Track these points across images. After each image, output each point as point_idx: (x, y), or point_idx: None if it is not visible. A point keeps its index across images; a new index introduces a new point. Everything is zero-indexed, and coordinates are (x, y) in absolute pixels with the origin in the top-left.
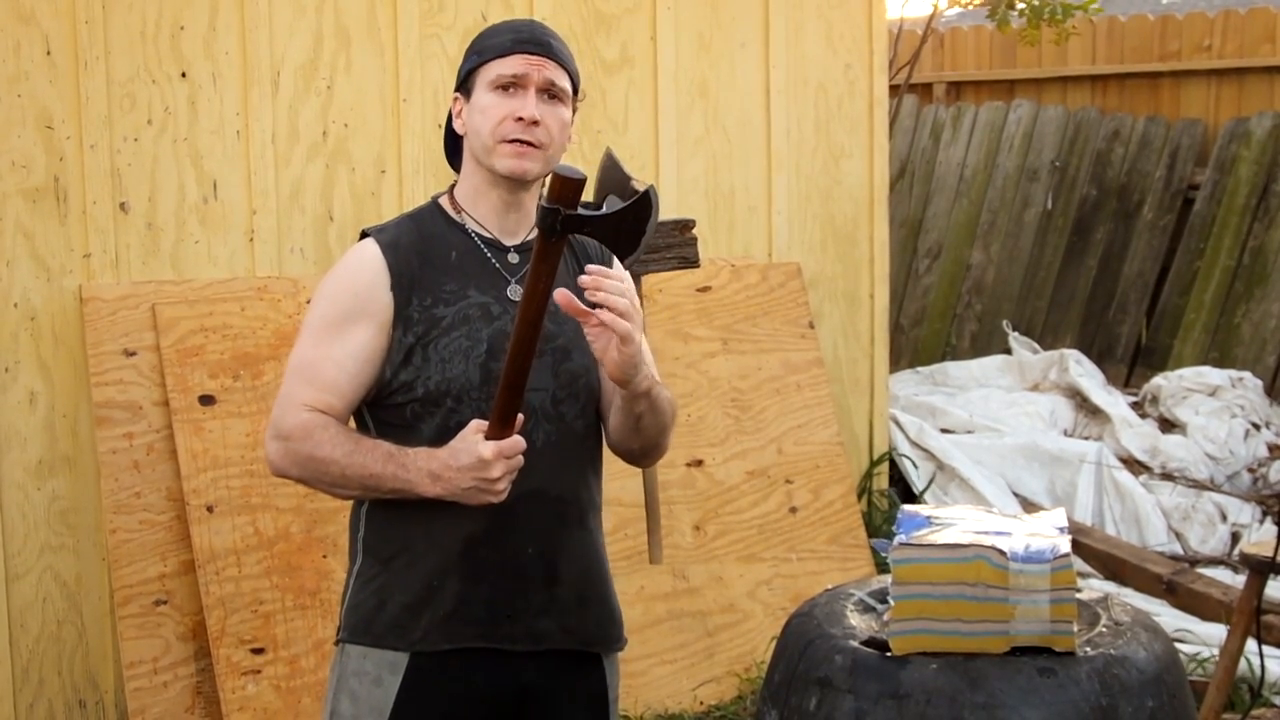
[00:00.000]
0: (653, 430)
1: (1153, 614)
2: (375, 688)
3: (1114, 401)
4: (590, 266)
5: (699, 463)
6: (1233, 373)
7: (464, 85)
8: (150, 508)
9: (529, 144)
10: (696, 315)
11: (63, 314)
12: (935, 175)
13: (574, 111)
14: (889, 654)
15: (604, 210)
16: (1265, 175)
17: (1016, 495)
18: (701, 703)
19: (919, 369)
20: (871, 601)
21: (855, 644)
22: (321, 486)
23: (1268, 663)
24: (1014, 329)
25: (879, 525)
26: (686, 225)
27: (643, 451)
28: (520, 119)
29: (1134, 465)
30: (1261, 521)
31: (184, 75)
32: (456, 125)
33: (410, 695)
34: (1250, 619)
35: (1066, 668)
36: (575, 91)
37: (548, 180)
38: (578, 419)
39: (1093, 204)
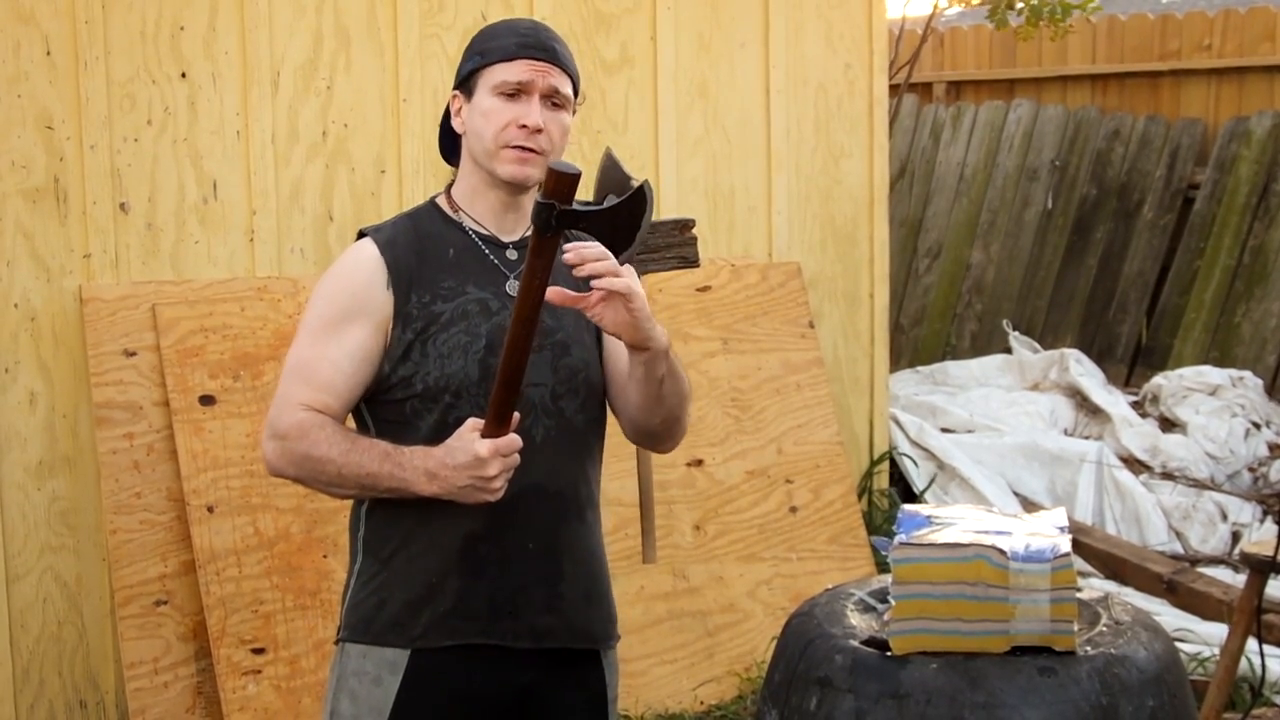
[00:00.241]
0: (674, 398)
1: (1153, 613)
2: (375, 687)
3: (1114, 401)
4: (569, 245)
5: (699, 463)
6: (1233, 372)
7: (465, 84)
8: (150, 508)
9: (531, 150)
10: (696, 315)
11: (63, 314)
12: (935, 175)
13: (573, 114)
14: (889, 654)
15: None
16: (1265, 174)
17: (1017, 495)
18: (702, 703)
19: (919, 369)
20: (871, 601)
21: (855, 644)
22: (318, 486)
23: (1268, 662)
24: (1014, 328)
25: (879, 525)
26: (686, 225)
27: (665, 426)
28: (524, 126)
29: (1134, 465)
30: (1262, 521)
31: (184, 75)
32: (455, 124)
33: (410, 695)
34: (1251, 618)
35: (1067, 667)
36: (575, 94)
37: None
38: (577, 414)
39: (1093, 203)
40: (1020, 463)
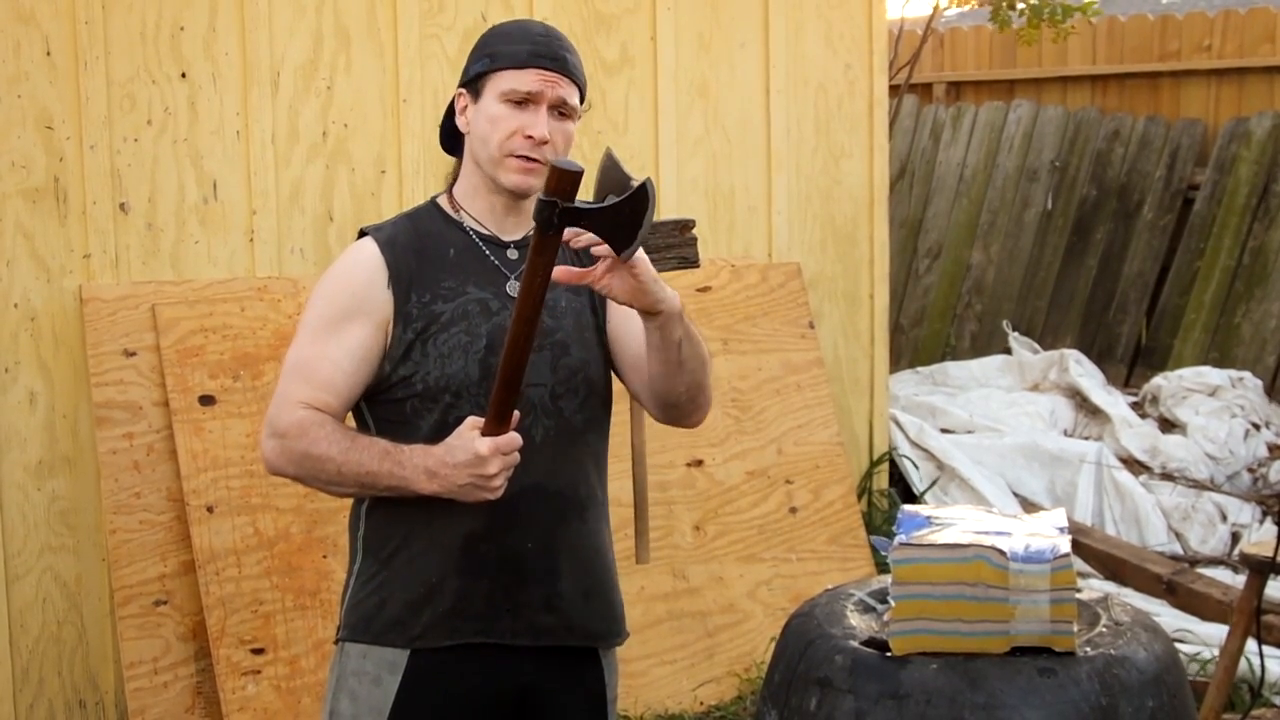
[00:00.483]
0: (694, 361)
1: (1153, 614)
2: (375, 687)
3: (1114, 401)
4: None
5: (699, 463)
6: (1233, 373)
7: (472, 84)
8: (150, 508)
9: (536, 161)
10: (696, 315)
11: (63, 314)
12: (935, 175)
13: (579, 120)
14: (889, 654)
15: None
16: (1265, 175)
17: (1016, 495)
18: (701, 703)
19: (919, 369)
20: (871, 601)
21: (855, 644)
22: (318, 484)
23: (1268, 663)
24: (1014, 329)
25: (879, 525)
26: (686, 225)
27: (689, 395)
28: (530, 136)
29: (1134, 465)
30: (1261, 521)
31: (184, 76)
32: (460, 123)
33: (409, 694)
34: (1250, 619)
35: (1066, 668)
36: (581, 100)
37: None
38: (577, 414)
39: (1093, 204)
40: (1020, 463)
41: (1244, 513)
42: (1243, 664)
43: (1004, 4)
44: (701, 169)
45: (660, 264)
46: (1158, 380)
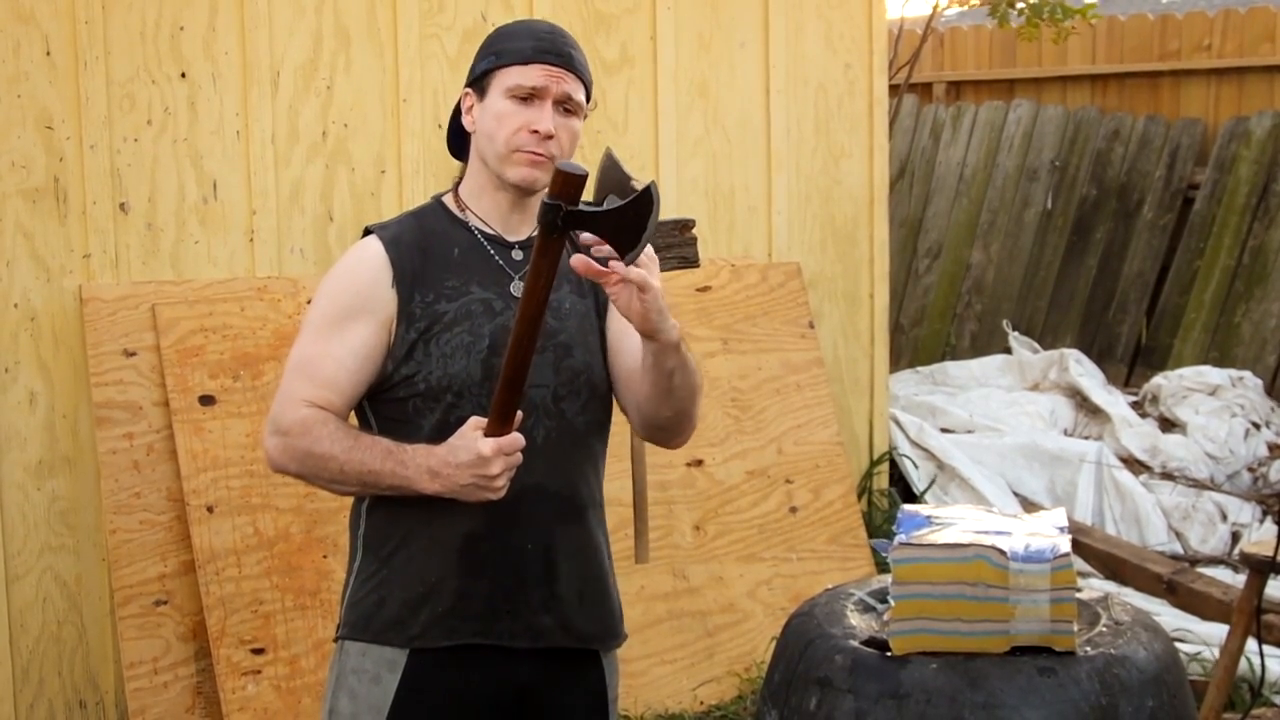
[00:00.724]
0: (685, 391)
1: (1153, 613)
2: (374, 685)
3: (1114, 401)
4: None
5: (699, 463)
6: (1233, 372)
7: (477, 83)
8: (150, 508)
9: (541, 156)
10: (696, 315)
11: (63, 314)
12: (935, 175)
13: (584, 118)
14: (889, 654)
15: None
16: (1265, 175)
17: (1016, 495)
18: (701, 703)
19: (919, 369)
20: (871, 601)
21: (855, 644)
22: (320, 482)
23: (1268, 662)
24: (1014, 329)
25: (879, 525)
26: (686, 225)
27: (674, 420)
28: (535, 131)
29: (1134, 465)
30: (1261, 521)
31: (184, 75)
32: (466, 122)
33: (409, 693)
34: (1250, 618)
35: (1066, 667)
36: (588, 99)
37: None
38: (579, 415)
39: (1092, 204)
40: (1020, 463)
41: (1244, 512)
42: (1243, 663)
43: (1004, 2)
44: (701, 169)
45: (660, 264)
46: (1158, 380)
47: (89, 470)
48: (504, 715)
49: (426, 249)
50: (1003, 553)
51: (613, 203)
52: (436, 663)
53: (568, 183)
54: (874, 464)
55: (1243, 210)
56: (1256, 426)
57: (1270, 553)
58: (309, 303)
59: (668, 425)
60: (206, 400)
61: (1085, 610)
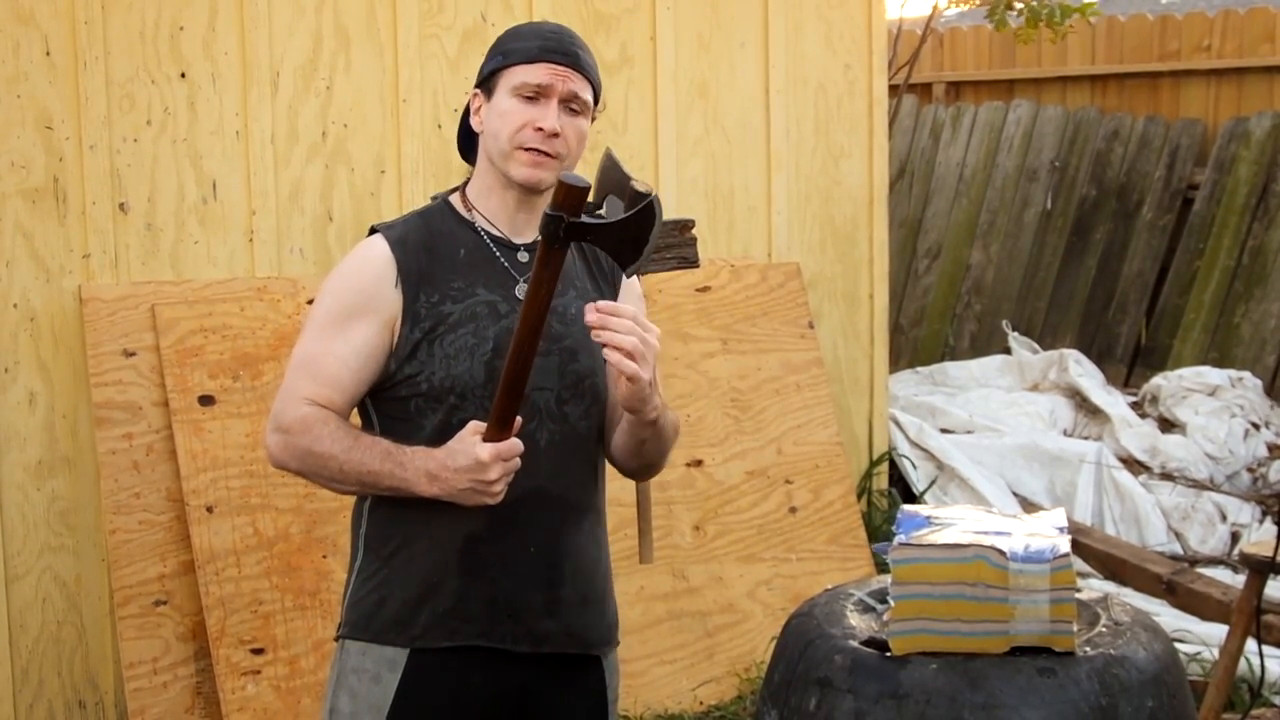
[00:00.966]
0: (653, 454)
1: (1152, 614)
2: (374, 685)
3: (1114, 401)
4: (600, 305)
5: (699, 463)
6: (1232, 372)
7: (485, 84)
8: (150, 508)
9: (546, 154)
10: (696, 315)
11: (62, 314)
12: (935, 175)
13: (592, 120)
14: (889, 654)
15: (605, 214)
16: (1265, 175)
17: (1016, 495)
18: (701, 703)
19: (919, 369)
20: (871, 601)
21: (855, 644)
22: (320, 481)
23: (1267, 662)
24: (1014, 329)
25: (879, 525)
26: (686, 225)
27: (640, 469)
28: (540, 129)
29: (1134, 465)
30: (1261, 521)
31: (183, 76)
32: (474, 123)
33: (409, 693)
34: (1250, 619)
35: (1066, 668)
36: (596, 101)
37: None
38: (581, 420)
39: (1092, 204)
40: (1020, 463)
41: (1244, 512)
42: (1242, 664)
43: (1002, 4)
44: (701, 169)
45: (660, 264)
46: (1157, 380)
47: (89, 470)
48: (504, 716)
49: (433, 249)
50: (1002, 553)
51: (613, 203)
52: (437, 663)
53: (570, 194)
54: (874, 464)
55: (1242, 211)
56: (1256, 427)
57: (1270, 553)
58: (310, 302)
59: (632, 471)
60: (206, 400)
61: (1085, 610)
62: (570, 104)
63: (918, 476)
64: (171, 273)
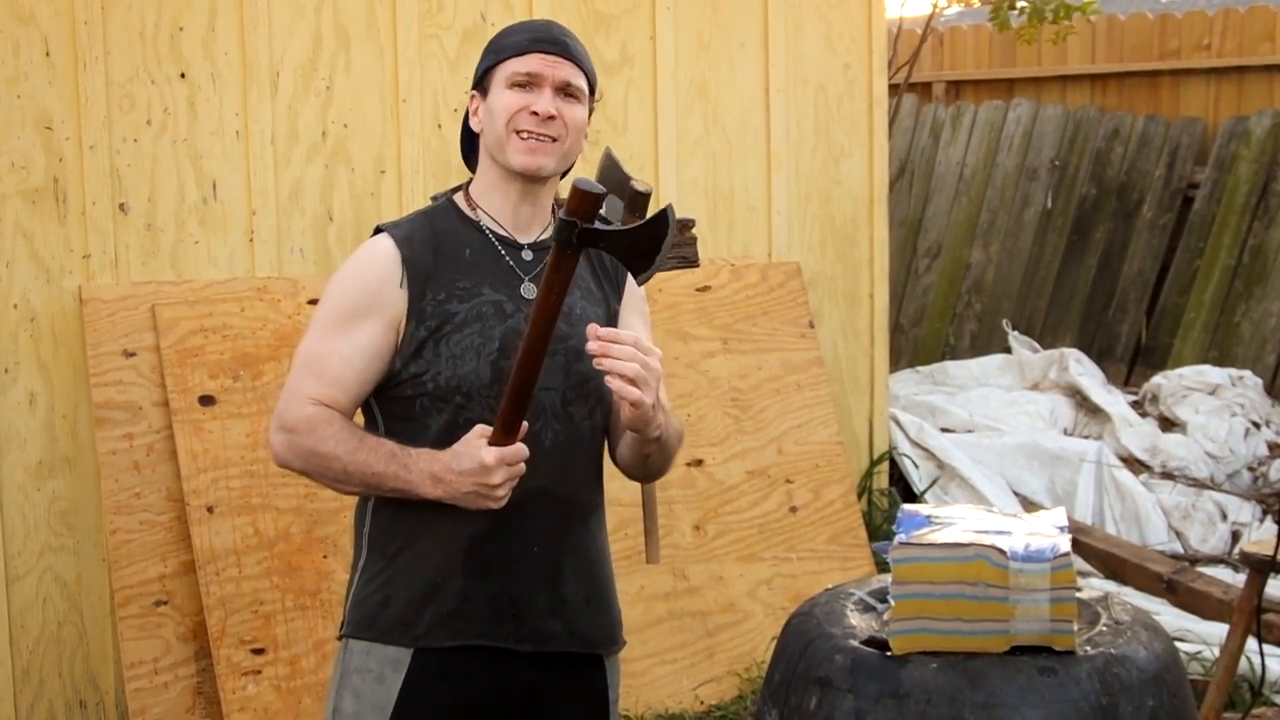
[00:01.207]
0: (658, 464)
1: (1153, 613)
2: (378, 685)
3: (1114, 400)
4: (600, 332)
5: (699, 463)
6: (1233, 371)
7: (480, 83)
8: (150, 508)
9: (543, 139)
10: (696, 315)
11: (62, 314)
12: (935, 175)
13: (591, 111)
14: (889, 653)
15: (605, 213)
16: (1265, 174)
17: (1016, 494)
18: (702, 702)
19: (919, 368)
20: (871, 601)
21: (855, 643)
22: (324, 481)
23: (1268, 661)
24: (1014, 328)
25: (879, 525)
26: (686, 225)
27: (643, 477)
28: (535, 112)
29: (1134, 464)
30: (1261, 520)
31: (183, 76)
32: (473, 123)
33: (413, 693)
34: (1251, 618)
35: (1066, 667)
36: (592, 93)
37: (567, 191)
38: (585, 420)
39: (1092, 203)
40: (1020, 463)
41: (1244, 511)
42: (1243, 663)
43: (1004, 4)
44: (701, 169)
45: (660, 264)
46: (1158, 379)
47: (89, 471)
48: (507, 716)
49: (438, 249)
50: (1003, 552)
51: (612, 203)
52: (441, 663)
53: (584, 201)
54: (874, 464)
55: (1242, 210)
56: (1256, 426)
57: (1270, 552)
58: (310, 302)
59: (636, 476)
60: (206, 400)
61: (1085, 610)
62: (564, 90)
63: (918, 476)
64: (172, 273)
